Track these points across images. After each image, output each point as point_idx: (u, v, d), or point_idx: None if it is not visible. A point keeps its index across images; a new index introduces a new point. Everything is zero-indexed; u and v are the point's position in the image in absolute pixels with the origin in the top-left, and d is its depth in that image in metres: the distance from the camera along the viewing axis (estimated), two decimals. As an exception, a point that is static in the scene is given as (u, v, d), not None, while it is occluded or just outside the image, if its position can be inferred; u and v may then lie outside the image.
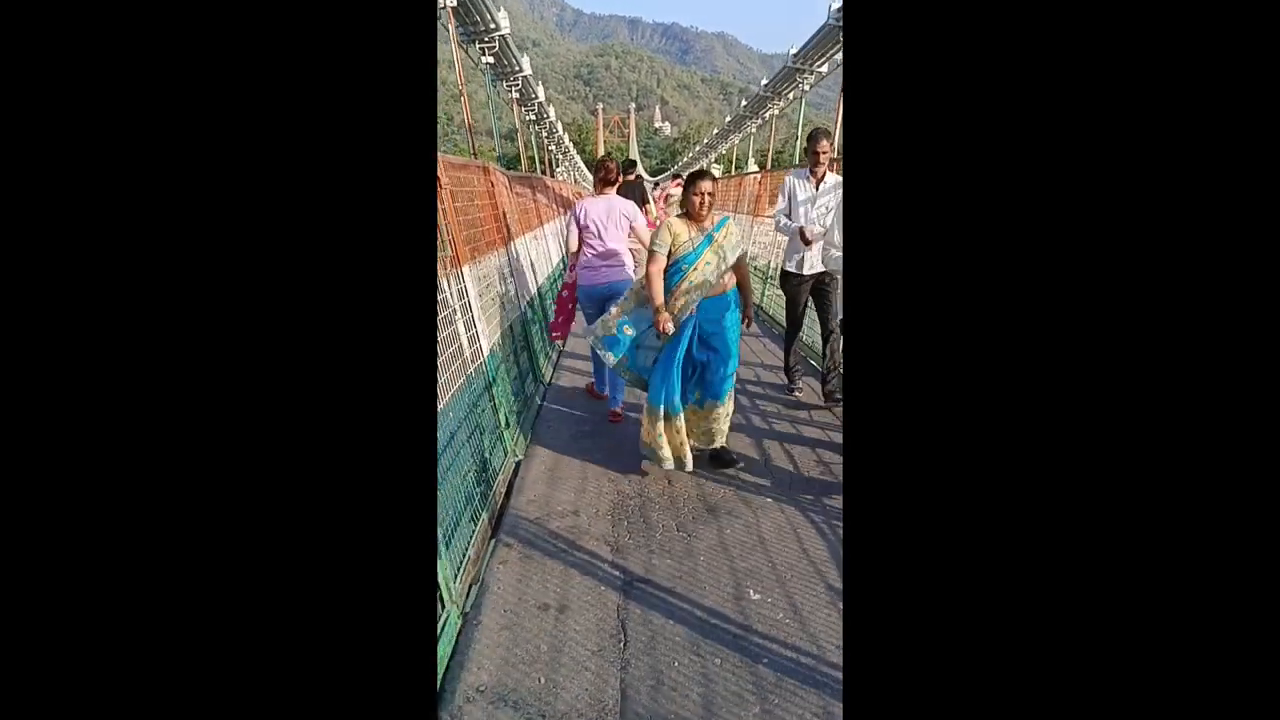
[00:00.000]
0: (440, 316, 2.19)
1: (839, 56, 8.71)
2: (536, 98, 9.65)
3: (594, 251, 3.15)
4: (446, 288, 2.34)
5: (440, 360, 2.17)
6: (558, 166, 15.70)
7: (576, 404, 3.59)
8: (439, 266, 2.29)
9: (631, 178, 5.93)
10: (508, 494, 2.51)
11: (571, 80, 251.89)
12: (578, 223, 3.15)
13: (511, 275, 3.81)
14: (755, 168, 17.75)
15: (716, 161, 19.24)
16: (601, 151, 64.31)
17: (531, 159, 10.95)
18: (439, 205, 2.29)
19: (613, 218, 3.13)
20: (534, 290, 4.75)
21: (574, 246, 3.20)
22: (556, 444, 2.99)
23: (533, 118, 10.61)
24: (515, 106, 8.70)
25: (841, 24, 6.76)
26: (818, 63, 9.01)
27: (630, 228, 3.18)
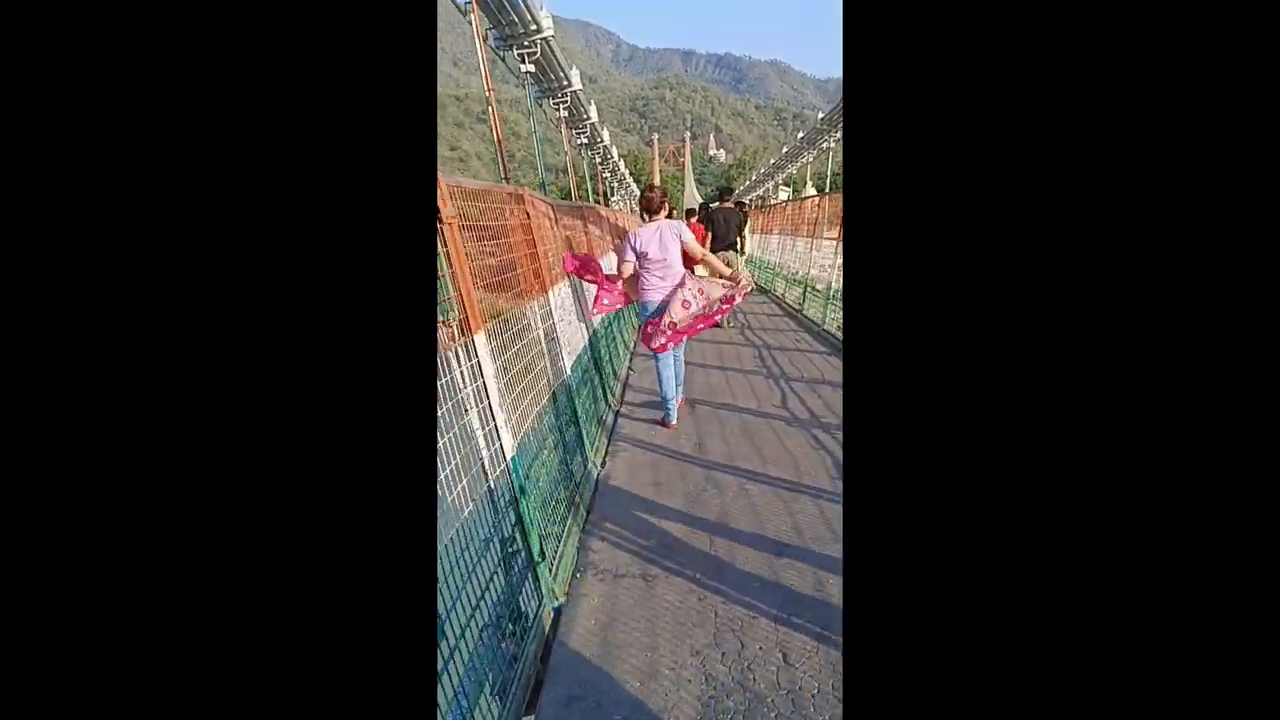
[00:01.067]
0: (441, 410, 1.47)
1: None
2: (589, 118, 8.77)
3: (655, 273, 3.47)
4: (454, 365, 1.60)
5: (444, 474, 1.44)
6: (613, 195, 15.16)
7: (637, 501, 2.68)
8: (441, 334, 1.58)
9: (729, 204, 6.41)
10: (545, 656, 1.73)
11: (627, 114, 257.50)
12: (634, 250, 3.49)
13: (554, 333, 3.04)
14: (814, 191, 17.42)
15: (785, 183, 19.57)
16: (658, 181, 64.87)
17: (583, 187, 10.40)
18: (440, 248, 1.57)
19: (665, 239, 3.44)
20: (583, 344, 3.95)
21: (626, 273, 3.58)
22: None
23: (584, 141, 9.89)
24: (564, 128, 7.52)
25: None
26: None
27: (680, 240, 3.48)
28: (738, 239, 6.15)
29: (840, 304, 6.04)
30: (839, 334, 5.73)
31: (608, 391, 4.21)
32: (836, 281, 6.47)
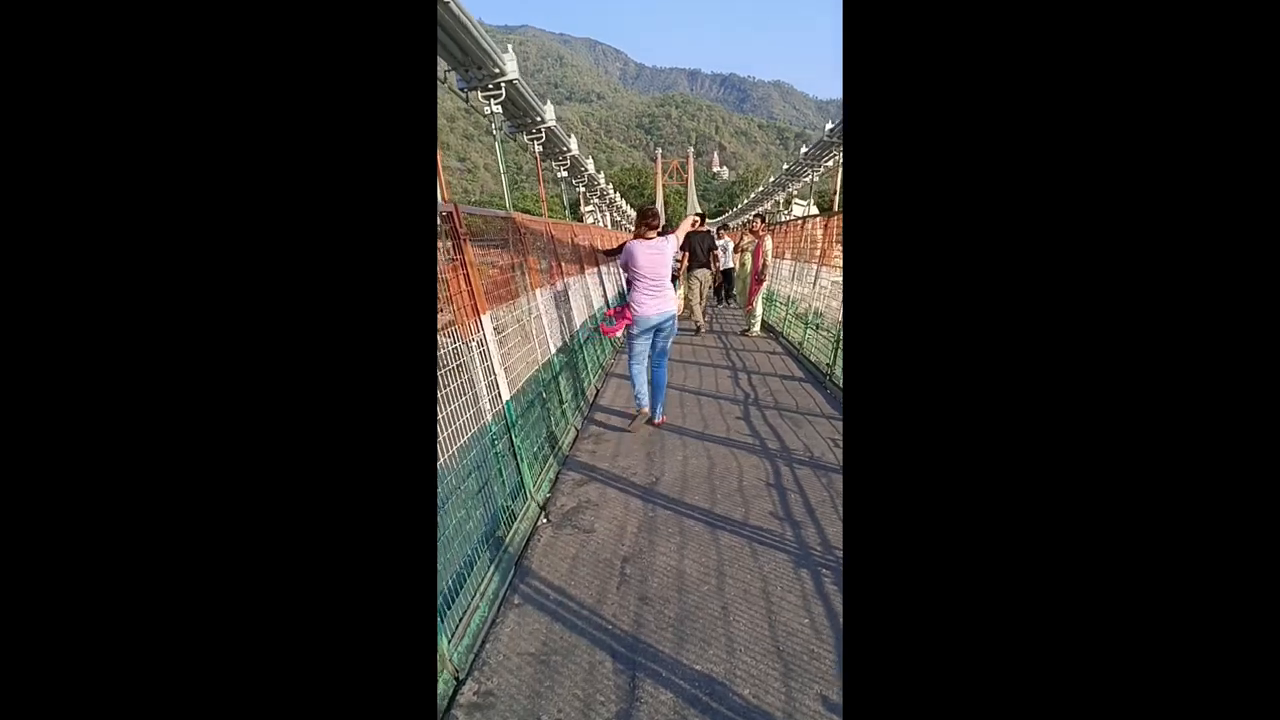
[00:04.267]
0: (456, 365, 2.11)
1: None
2: (569, 151, 8.83)
3: (647, 287, 3.71)
4: (470, 333, 2.28)
5: (454, 406, 2.07)
6: (586, 205, 15.02)
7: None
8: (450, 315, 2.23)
9: (703, 228, 7.32)
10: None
11: (633, 130, 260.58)
12: (631, 264, 3.67)
13: (541, 322, 3.72)
14: (804, 208, 16.58)
15: (801, 197, 18.17)
16: (661, 195, 65.55)
17: (559, 211, 10.45)
18: (456, 254, 2.23)
19: (663, 256, 3.70)
20: (563, 340, 4.62)
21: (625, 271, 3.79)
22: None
23: (565, 174, 9.77)
24: (538, 163, 7.77)
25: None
26: None
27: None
28: (709, 258, 7.76)
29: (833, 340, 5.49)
30: (816, 363, 5.47)
31: (586, 381, 4.84)
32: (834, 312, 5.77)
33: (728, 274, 10.33)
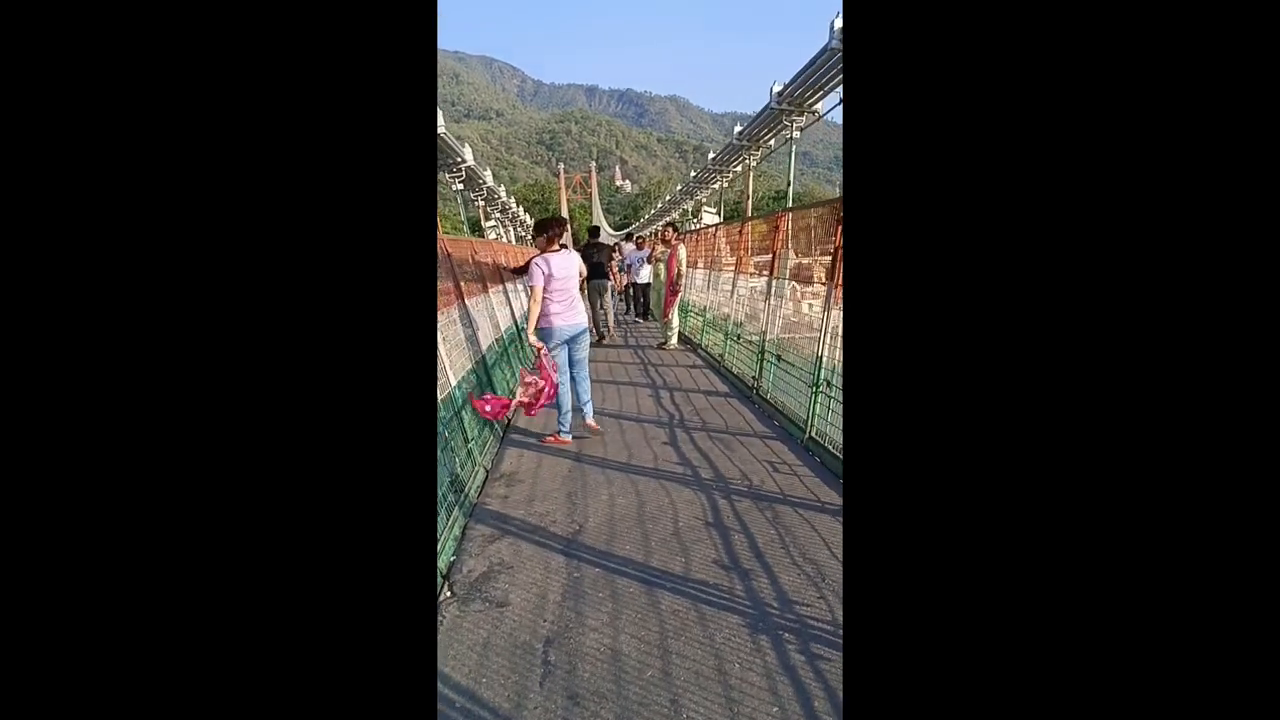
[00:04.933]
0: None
1: (822, 104, 8.32)
2: (463, 161, 9.70)
3: (564, 299, 3.77)
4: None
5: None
6: (488, 220, 15.07)
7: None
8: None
9: (600, 239, 8.14)
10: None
11: (535, 146, 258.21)
12: (544, 274, 3.66)
13: (470, 330, 3.24)
14: (715, 215, 16.98)
15: (710, 204, 18.64)
16: (565, 209, 65.14)
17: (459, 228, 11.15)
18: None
19: (573, 269, 3.79)
20: (490, 343, 4.13)
21: (538, 295, 3.70)
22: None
23: (460, 188, 10.82)
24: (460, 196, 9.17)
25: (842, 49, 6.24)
26: (812, 99, 8.24)
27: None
28: (608, 266, 8.14)
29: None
30: (740, 374, 5.29)
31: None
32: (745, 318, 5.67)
33: (644, 289, 10.06)
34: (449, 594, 2.30)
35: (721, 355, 6.31)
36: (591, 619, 2.08)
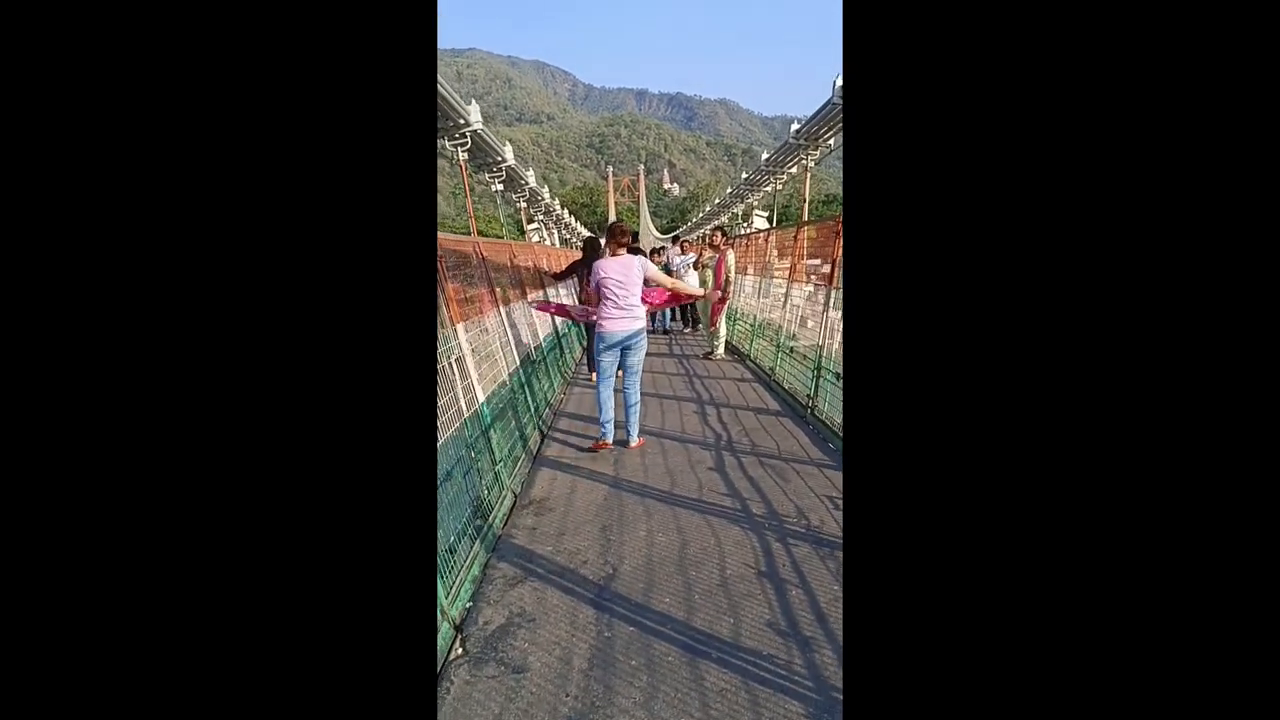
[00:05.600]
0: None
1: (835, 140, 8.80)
2: (503, 161, 9.86)
3: (615, 303, 3.60)
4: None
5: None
6: (530, 223, 15.27)
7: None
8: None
9: (637, 243, 6.95)
10: None
11: (584, 149, 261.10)
12: (595, 279, 3.61)
13: (506, 336, 2.97)
14: (766, 220, 16.67)
15: (761, 209, 18.43)
16: (613, 212, 65.40)
17: (512, 233, 11.40)
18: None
19: (631, 274, 3.59)
20: (528, 352, 3.86)
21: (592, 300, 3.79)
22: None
23: (500, 188, 11.20)
24: (500, 194, 9.67)
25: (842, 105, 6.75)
26: (825, 135, 9.27)
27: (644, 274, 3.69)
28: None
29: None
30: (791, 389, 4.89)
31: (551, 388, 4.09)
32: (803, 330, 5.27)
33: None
34: (461, 651, 2.01)
35: (772, 369, 5.87)
36: (622, 696, 1.75)
